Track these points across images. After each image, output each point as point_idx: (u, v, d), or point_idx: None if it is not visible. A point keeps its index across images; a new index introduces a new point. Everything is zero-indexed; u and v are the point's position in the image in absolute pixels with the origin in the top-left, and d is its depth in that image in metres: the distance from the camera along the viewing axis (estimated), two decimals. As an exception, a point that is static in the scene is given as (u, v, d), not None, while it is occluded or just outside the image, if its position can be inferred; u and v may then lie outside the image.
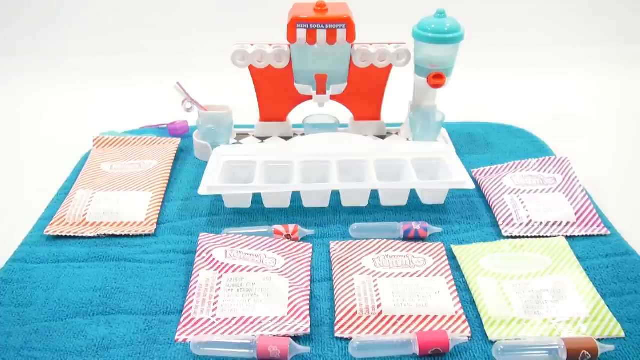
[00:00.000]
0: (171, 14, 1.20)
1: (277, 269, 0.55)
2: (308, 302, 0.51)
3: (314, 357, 0.46)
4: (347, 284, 0.53)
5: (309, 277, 0.55)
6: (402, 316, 0.49)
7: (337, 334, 0.48)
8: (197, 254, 0.56)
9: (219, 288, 0.52)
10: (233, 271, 0.54)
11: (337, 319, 0.49)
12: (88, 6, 1.22)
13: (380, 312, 0.50)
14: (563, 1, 1.22)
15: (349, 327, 0.49)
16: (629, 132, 0.89)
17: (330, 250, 0.59)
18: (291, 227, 0.60)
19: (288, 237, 0.59)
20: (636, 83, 1.06)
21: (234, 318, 0.50)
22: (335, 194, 0.66)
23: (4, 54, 1.17)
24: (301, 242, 0.58)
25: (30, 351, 0.47)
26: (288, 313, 0.50)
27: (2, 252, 0.59)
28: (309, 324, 0.49)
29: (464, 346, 0.47)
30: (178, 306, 0.51)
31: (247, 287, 0.52)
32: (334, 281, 0.54)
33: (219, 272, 0.54)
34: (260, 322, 0.49)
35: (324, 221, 0.64)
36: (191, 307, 0.51)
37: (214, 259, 0.55)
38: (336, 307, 0.51)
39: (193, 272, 0.54)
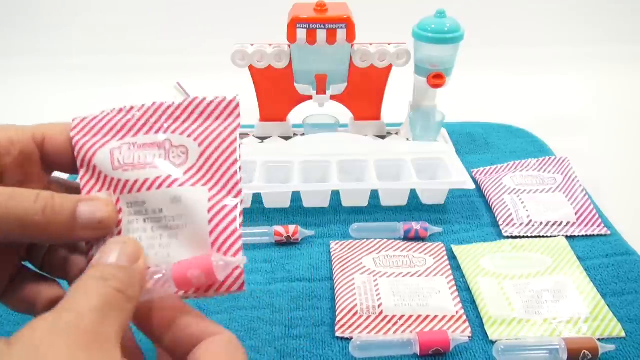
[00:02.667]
0: (171, 14, 1.20)
1: (188, 172, 0.34)
2: (238, 222, 0.33)
3: (314, 357, 0.46)
4: (348, 283, 0.53)
5: (234, 171, 0.34)
6: (402, 316, 0.49)
7: (337, 334, 0.48)
8: (78, 161, 0.35)
9: (120, 221, 0.34)
10: (129, 191, 0.34)
11: (337, 319, 0.49)
12: (88, 6, 1.22)
13: (381, 312, 0.50)
14: (563, 1, 1.22)
15: (350, 326, 0.49)
16: (629, 132, 0.89)
17: (331, 250, 0.59)
18: (291, 227, 0.60)
19: (288, 238, 0.59)
20: (636, 83, 1.06)
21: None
22: (335, 194, 0.66)
23: (4, 54, 1.17)
24: (221, 98, 0.36)
25: (30, 351, 0.46)
26: (212, 247, 0.33)
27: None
28: (241, 271, 0.32)
29: (464, 346, 0.47)
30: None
31: (154, 215, 0.34)
32: (335, 281, 0.54)
33: (111, 190, 0.34)
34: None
35: (324, 221, 0.64)
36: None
37: (98, 169, 0.34)
38: (337, 307, 0.51)
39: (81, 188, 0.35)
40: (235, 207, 0.33)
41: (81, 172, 0.35)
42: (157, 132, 0.35)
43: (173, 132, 0.35)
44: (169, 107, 0.36)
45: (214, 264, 0.31)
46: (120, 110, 0.36)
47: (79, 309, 0.26)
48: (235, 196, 0.34)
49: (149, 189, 0.34)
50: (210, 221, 0.33)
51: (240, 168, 0.34)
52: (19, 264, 0.35)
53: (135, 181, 0.34)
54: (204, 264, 0.31)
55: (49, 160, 0.35)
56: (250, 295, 0.53)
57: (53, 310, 0.26)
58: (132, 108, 0.36)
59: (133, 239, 0.32)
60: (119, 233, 0.34)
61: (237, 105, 0.36)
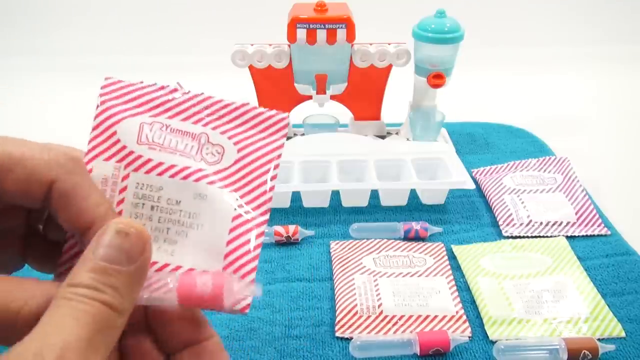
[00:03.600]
0: (171, 14, 1.20)
1: (220, 174, 0.31)
2: (260, 240, 0.30)
3: (314, 357, 0.46)
4: (348, 283, 0.53)
5: (267, 188, 0.32)
6: (402, 316, 0.49)
7: (337, 334, 0.48)
8: (95, 121, 0.31)
9: (122, 200, 0.30)
10: (147, 171, 0.31)
11: (337, 319, 0.49)
12: (88, 6, 1.22)
13: (381, 312, 0.50)
14: (563, 1, 1.22)
15: (350, 326, 0.49)
16: (629, 132, 0.89)
17: (331, 250, 0.59)
18: (291, 227, 0.60)
19: (288, 238, 0.59)
20: (636, 83, 1.06)
21: None
22: (335, 194, 0.66)
23: (4, 54, 1.17)
24: (272, 112, 0.33)
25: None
26: (224, 269, 0.30)
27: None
28: (250, 298, 0.29)
29: (464, 346, 0.47)
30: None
31: (167, 205, 0.31)
32: (335, 281, 0.54)
33: (124, 163, 0.31)
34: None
35: (324, 221, 0.64)
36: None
37: (117, 137, 0.31)
38: (337, 307, 0.51)
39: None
40: (262, 223, 0.31)
41: (94, 132, 0.31)
42: (195, 122, 0.32)
43: (213, 128, 0.32)
44: (215, 103, 0.33)
45: (225, 290, 0.28)
46: (162, 87, 0.33)
47: (59, 343, 0.22)
48: (263, 214, 0.31)
49: (172, 175, 0.31)
50: (231, 230, 0.30)
51: (273, 188, 0.32)
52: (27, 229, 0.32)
53: (159, 163, 0.31)
54: (216, 285, 0.28)
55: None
56: (250, 295, 0.53)
57: (23, 342, 0.22)
58: (175, 89, 0.33)
59: (139, 225, 0.27)
60: (120, 213, 0.30)
61: (287, 125, 0.33)
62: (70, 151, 0.30)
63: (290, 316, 0.50)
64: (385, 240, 0.59)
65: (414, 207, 0.66)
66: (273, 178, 0.32)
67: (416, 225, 0.60)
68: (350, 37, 0.69)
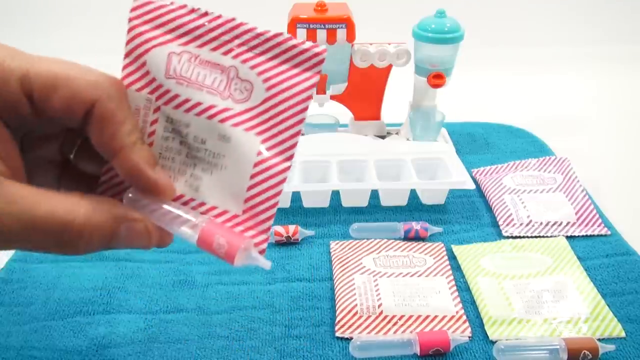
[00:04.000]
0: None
1: (247, 114, 0.31)
2: (279, 192, 0.31)
3: (314, 357, 0.46)
4: (348, 283, 0.53)
5: (293, 133, 0.31)
6: (402, 316, 0.49)
7: (337, 334, 0.48)
8: (127, 48, 0.31)
9: (154, 132, 0.32)
10: (175, 106, 0.31)
11: (337, 319, 0.49)
12: (88, 6, 1.22)
13: (381, 312, 0.50)
14: (563, 1, 1.22)
15: (350, 326, 0.49)
16: (629, 132, 0.89)
17: (331, 250, 0.59)
18: (291, 227, 0.60)
19: (288, 238, 0.59)
20: (636, 83, 1.06)
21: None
22: (335, 194, 0.66)
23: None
24: (307, 45, 0.32)
25: (30, 350, 0.47)
26: (243, 212, 0.31)
27: (2, 252, 0.58)
28: (266, 238, 0.32)
29: (464, 346, 0.47)
30: (178, 305, 0.51)
31: (194, 142, 0.31)
32: (335, 281, 0.54)
33: (155, 96, 0.31)
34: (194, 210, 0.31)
35: (324, 221, 0.64)
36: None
37: (147, 68, 0.31)
38: (337, 307, 0.51)
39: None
40: (284, 170, 0.31)
41: (126, 60, 0.31)
42: (225, 53, 0.31)
43: (243, 61, 0.31)
44: (247, 31, 0.32)
45: (238, 253, 0.29)
46: (192, 11, 0.32)
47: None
48: (286, 159, 0.31)
49: (198, 114, 0.31)
50: (252, 177, 0.31)
51: (301, 131, 0.31)
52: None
53: (187, 100, 0.31)
54: (231, 244, 0.29)
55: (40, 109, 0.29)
56: (250, 295, 0.53)
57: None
58: (206, 14, 0.32)
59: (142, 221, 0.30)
60: (150, 145, 0.31)
61: (322, 60, 0.32)
62: (112, 76, 0.31)
63: (290, 316, 0.50)
64: (385, 240, 0.59)
65: (414, 207, 0.66)
66: (300, 122, 0.31)
67: (416, 225, 0.60)
68: (350, 37, 0.69)
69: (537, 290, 0.52)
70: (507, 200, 0.65)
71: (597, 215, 0.62)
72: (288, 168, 0.31)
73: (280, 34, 0.32)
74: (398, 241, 0.59)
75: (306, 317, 0.50)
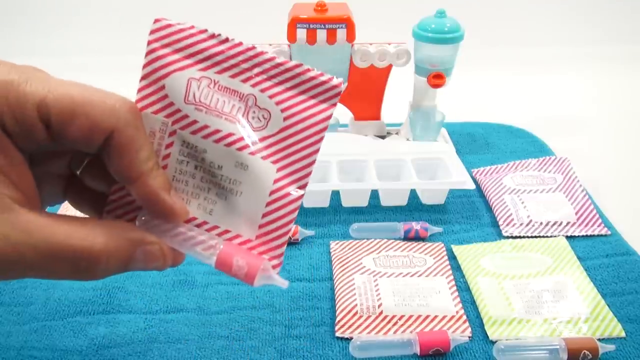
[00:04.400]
0: (171, 13, 1.20)
1: (263, 142, 0.32)
2: (293, 219, 0.32)
3: (314, 357, 0.46)
4: (348, 283, 0.53)
5: (308, 163, 0.32)
6: (402, 316, 0.49)
7: (337, 334, 0.48)
8: (145, 69, 0.32)
9: (169, 154, 0.32)
10: (193, 132, 0.31)
11: (337, 319, 0.49)
12: (88, 6, 1.22)
13: (381, 312, 0.50)
14: (563, 1, 1.22)
15: (350, 326, 0.49)
16: (629, 132, 0.89)
17: (331, 250, 0.59)
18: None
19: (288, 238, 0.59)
20: (636, 83, 1.06)
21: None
22: (335, 194, 0.66)
23: (5, 54, 1.17)
24: (326, 78, 0.34)
25: (30, 350, 0.47)
26: (257, 238, 0.32)
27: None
28: (279, 264, 0.33)
29: (464, 346, 0.47)
30: (178, 305, 0.51)
31: (210, 167, 0.32)
32: (335, 281, 0.54)
33: (171, 120, 0.31)
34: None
35: (324, 221, 0.64)
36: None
37: (165, 92, 0.31)
38: (337, 307, 0.51)
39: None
40: (298, 198, 0.32)
41: (143, 82, 0.31)
42: (244, 81, 0.32)
43: (262, 90, 0.32)
44: (267, 61, 0.32)
45: (258, 273, 0.30)
46: (213, 36, 0.32)
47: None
48: (301, 187, 0.32)
49: (216, 141, 0.31)
50: (268, 204, 0.31)
51: (314, 162, 0.32)
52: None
53: (205, 127, 0.31)
54: (251, 265, 0.30)
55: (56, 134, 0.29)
56: (250, 295, 0.53)
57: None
58: (227, 40, 0.32)
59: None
60: (165, 167, 0.32)
61: (339, 93, 0.33)
62: (128, 101, 0.30)
63: (290, 316, 0.51)
64: (385, 240, 0.59)
65: (414, 207, 0.66)
66: (316, 152, 0.32)
67: (416, 225, 0.60)
68: (350, 37, 0.69)
69: (537, 290, 0.52)
70: (507, 200, 0.65)
71: (597, 215, 0.62)
72: (302, 196, 0.32)
73: (300, 65, 0.32)
74: (398, 241, 0.59)
75: (306, 317, 0.50)
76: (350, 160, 0.67)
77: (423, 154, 0.68)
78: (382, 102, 0.78)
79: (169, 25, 0.32)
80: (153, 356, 0.46)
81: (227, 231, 0.32)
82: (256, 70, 0.32)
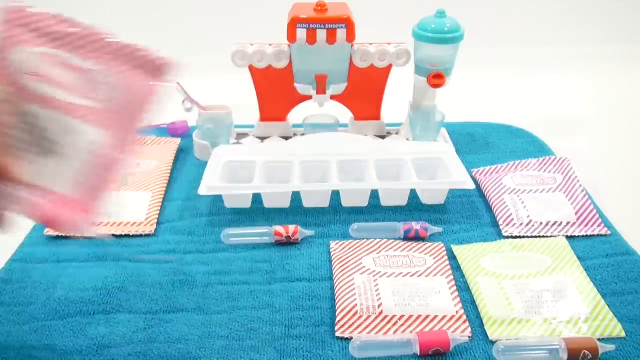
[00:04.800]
0: (171, 13, 1.20)
1: (95, 110, 0.35)
2: (110, 180, 0.36)
3: (314, 357, 0.46)
4: (348, 283, 0.53)
5: (137, 131, 0.35)
6: (402, 316, 0.49)
7: (337, 334, 0.48)
8: None
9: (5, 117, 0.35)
10: (32, 100, 0.35)
11: (337, 319, 0.49)
12: (88, 6, 1.22)
13: (381, 312, 0.50)
14: (563, 1, 1.22)
15: (350, 326, 0.49)
16: (629, 132, 0.89)
17: (331, 250, 0.59)
18: (291, 227, 0.60)
19: (288, 238, 0.59)
20: (636, 83, 1.06)
21: None
22: (335, 194, 0.66)
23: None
24: (156, 56, 0.38)
25: (30, 350, 0.47)
26: (75, 193, 0.36)
27: (2, 252, 0.58)
28: (94, 216, 0.35)
29: (464, 346, 0.47)
30: (178, 305, 0.51)
31: (40, 132, 0.35)
32: (335, 281, 0.54)
33: (13, 89, 0.34)
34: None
35: (324, 221, 0.64)
36: None
37: (7, 61, 0.35)
38: (337, 307, 0.51)
39: None
40: (118, 161, 0.36)
41: None
42: (85, 57, 0.37)
43: (99, 65, 0.37)
44: (102, 39, 0.38)
45: (55, 225, 0.35)
46: (61, 19, 0.38)
47: None
48: (123, 152, 0.37)
49: (52, 108, 0.35)
50: (87, 164, 0.36)
51: (144, 128, 0.37)
52: None
53: (43, 95, 0.35)
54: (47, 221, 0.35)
55: None
56: (250, 295, 0.53)
57: None
58: (67, 20, 0.38)
59: None
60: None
61: (164, 69, 0.38)
62: None
63: (290, 316, 0.51)
64: (385, 240, 0.59)
65: (414, 207, 0.66)
66: (141, 121, 0.37)
67: (416, 225, 0.60)
68: (350, 37, 0.69)
69: (537, 290, 0.52)
70: (507, 200, 0.65)
71: (597, 215, 0.62)
72: (123, 160, 0.36)
73: (135, 44, 0.38)
74: (398, 241, 0.59)
75: (306, 317, 0.50)
76: (350, 160, 0.67)
77: (423, 154, 0.68)
78: (382, 102, 0.78)
79: (24, 10, 0.37)
80: (153, 356, 0.46)
81: (50, 190, 0.35)
82: (91, 47, 0.37)
